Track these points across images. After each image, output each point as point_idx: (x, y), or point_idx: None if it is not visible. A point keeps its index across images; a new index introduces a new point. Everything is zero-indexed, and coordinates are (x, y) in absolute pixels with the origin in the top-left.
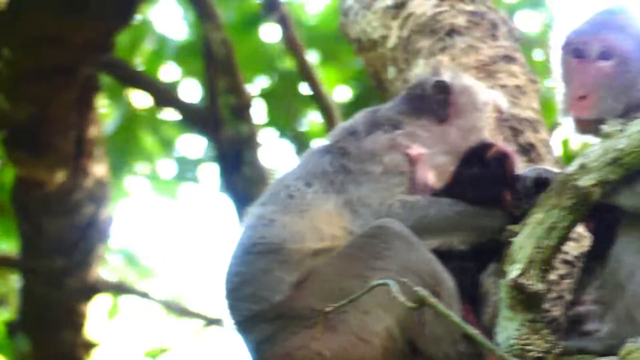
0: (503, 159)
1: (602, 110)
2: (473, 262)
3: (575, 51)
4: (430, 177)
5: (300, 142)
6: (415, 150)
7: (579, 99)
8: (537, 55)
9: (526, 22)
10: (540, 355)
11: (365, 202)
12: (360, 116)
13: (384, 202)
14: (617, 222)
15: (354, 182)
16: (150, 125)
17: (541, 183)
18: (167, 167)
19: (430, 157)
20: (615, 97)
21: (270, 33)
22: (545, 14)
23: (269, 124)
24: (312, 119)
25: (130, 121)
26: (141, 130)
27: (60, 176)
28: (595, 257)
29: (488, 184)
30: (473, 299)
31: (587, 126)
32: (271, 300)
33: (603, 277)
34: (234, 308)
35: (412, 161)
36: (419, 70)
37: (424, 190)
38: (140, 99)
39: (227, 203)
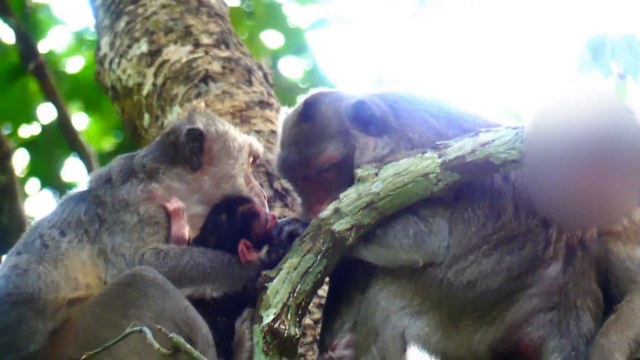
0: (253, 217)
1: None
2: (228, 308)
3: (297, 177)
4: (186, 229)
5: (64, 191)
6: (172, 204)
7: (319, 206)
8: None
9: (289, 67)
10: None
11: (119, 252)
12: (115, 163)
13: (137, 251)
14: (356, 263)
15: (108, 232)
16: None
17: (295, 235)
18: None
19: (186, 208)
20: (346, 185)
21: (33, 83)
22: (308, 60)
23: (32, 173)
24: (75, 168)
25: None
26: None
27: None
28: (337, 299)
29: (231, 235)
30: (228, 345)
31: None
32: (26, 350)
33: (354, 320)
34: None
35: (169, 214)
36: (174, 117)
37: (179, 241)
38: None
39: None
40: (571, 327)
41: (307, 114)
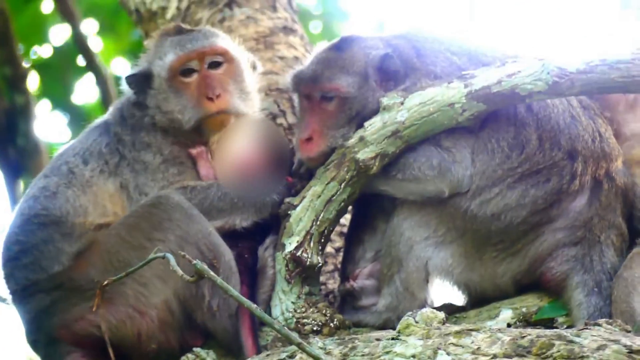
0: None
1: (329, 144)
2: (252, 235)
3: (303, 94)
4: (213, 169)
5: (75, 113)
6: (195, 148)
7: (305, 141)
8: (315, 27)
9: None
10: (316, 328)
11: (143, 191)
12: (126, 100)
13: (162, 189)
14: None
15: (129, 168)
16: None
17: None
18: None
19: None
20: (340, 130)
21: (48, 4)
22: None
23: (43, 95)
24: (88, 90)
25: None
26: None
27: None
28: (360, 228)
29: None
30: (251, 273)
31: (316, 162)
32: (50, 270)
33: (377, 249)
34: (11, 277)
35: (194, 158)
36: None
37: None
38: None
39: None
40: (595, 262)
41: (340, 46)
